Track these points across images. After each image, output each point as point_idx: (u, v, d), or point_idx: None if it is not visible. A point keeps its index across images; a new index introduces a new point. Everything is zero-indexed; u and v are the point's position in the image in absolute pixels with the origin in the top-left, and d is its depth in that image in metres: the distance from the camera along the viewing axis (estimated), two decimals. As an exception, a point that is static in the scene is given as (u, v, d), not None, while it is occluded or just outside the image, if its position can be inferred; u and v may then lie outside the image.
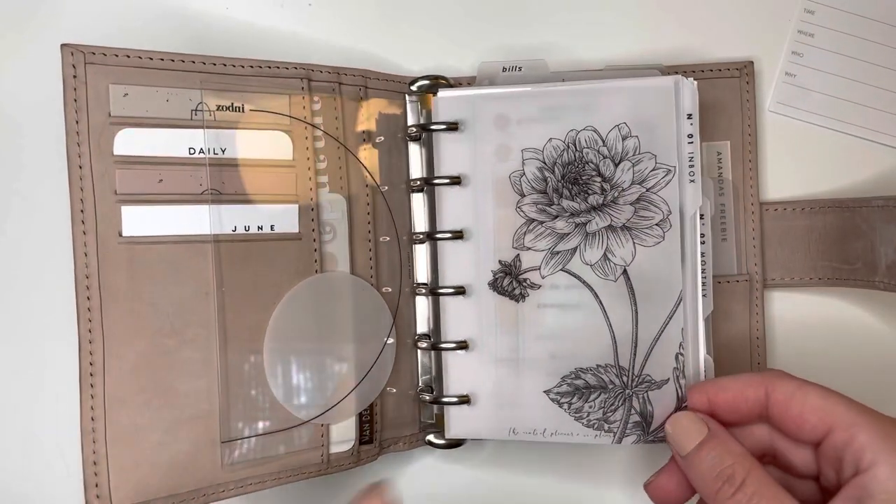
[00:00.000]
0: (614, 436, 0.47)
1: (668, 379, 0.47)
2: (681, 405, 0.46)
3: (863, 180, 0.52)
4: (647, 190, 0.46)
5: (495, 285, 0.48)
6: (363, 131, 0.49)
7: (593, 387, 0.47)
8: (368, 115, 0.50)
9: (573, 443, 0.48)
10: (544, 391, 0.48)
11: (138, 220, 0.43)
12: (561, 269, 0.48)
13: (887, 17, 0.52)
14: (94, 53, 0.42)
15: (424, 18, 0.54)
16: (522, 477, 0.53)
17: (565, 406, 0.48)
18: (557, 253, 0.48)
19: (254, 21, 0.53)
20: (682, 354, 0.46)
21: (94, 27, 0.51)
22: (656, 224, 0.47)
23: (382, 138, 0.50)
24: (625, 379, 0.47)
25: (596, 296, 0.47)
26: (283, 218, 0.47)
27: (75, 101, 0.42)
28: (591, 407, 0.47)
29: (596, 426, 0.48)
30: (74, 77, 0.42)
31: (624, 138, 0.47)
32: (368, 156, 0.50)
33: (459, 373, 0.49)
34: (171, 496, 0.43)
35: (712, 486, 0.39)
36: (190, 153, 0.44)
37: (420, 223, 0.51)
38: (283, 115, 0.47)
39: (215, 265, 0.45)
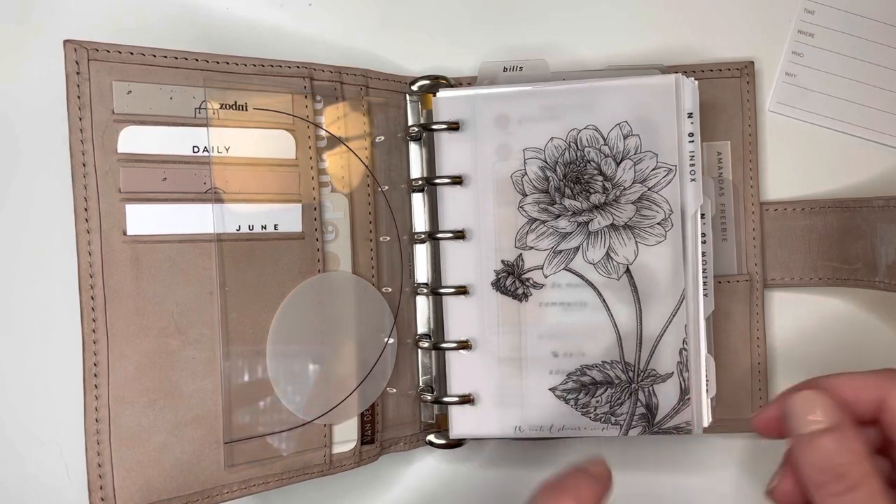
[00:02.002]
0: (621, 428, 0.48)
1: (672, 373, 0.47)
2: (685, 397, 0.47)
3: (863, 180, 0.53)
4: (649, 189, 0.47)
5: (498, 285, 0.48)
6: (364, 131, 0.49)
7: (599, 382, 0.47)
8: (369, 115, 0.50)
9: (580, 437, 0.48)
10: (550, 388, 0.48)
11: (142, 219, 0.43)
12: (564, 269, 0.48)
13: (887, 17, 0.52)
14: (97, 50, 0.42)
15: (425, 18, 0.54)
16: (523, 476, 0.53)
17: (572, 402, 0.48)
18: (560, 252, 0.48)
19: (254, 21, 0.53)
20: (685, 349, 0.47)
21: (95, 25, 0.51)
22: (658, 223, 0.47)
23: (383, 138, 0.50)
24: (630, 374, 0.47)
25: (599, 294, 0.47)
26: (286, 217, 0.46)
27: (78, 97, 0.42)
28: (597, 402, 0.48)
29: (603, 420, 0.48)
30: (77, 74, 0.42)
31: (625, 137, 0.47)
32: (369, 155, 0.49)
33: (462, 372, 0.49)
34: (176, 497, 0.43)
35: (820, 477, 0.35)
36: (194, 151, 0.44)
37: (420, 223, 0.51)
38: (286, 113, 0.47)
39: (218, 265, 0.44)
